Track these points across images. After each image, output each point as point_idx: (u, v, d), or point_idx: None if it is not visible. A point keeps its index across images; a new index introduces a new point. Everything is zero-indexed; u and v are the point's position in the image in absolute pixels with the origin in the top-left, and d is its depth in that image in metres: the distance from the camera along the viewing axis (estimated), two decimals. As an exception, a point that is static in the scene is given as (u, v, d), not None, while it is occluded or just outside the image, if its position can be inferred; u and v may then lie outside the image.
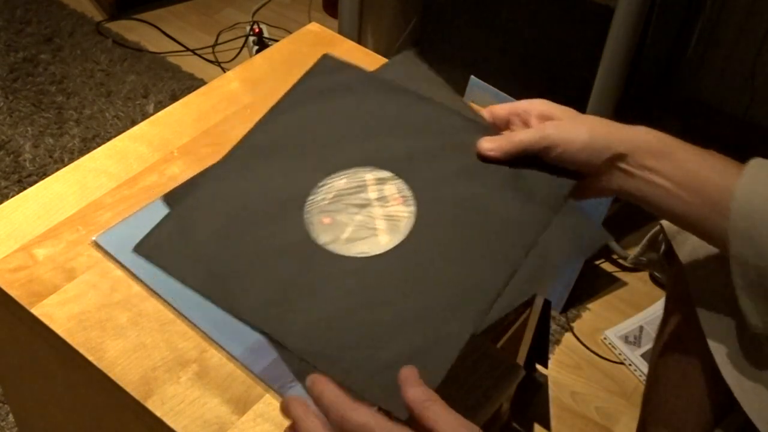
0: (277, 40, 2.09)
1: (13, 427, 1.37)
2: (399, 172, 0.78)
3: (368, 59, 1.05)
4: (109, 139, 0.93)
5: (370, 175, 0.77)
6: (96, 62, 2.15)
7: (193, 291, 0.73)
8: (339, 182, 0.77)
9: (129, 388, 0.71)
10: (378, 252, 0.73)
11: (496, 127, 0.82)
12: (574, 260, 0.73)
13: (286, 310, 0.70)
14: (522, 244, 0.73)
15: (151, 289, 0.78)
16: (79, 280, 0.78)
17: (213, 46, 2.27)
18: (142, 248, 0.76)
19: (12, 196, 0.90)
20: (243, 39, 2.27)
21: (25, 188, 0.90)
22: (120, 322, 0.75)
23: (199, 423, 0.69)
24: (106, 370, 0.72)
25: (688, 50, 1.92)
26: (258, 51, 2.19)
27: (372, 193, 0.76)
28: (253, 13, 2.40)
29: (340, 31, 1.92)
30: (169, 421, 0.69)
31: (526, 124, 0.79)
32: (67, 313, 0.76)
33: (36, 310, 0.76)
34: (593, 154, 0.75)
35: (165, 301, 0.77)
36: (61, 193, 0.86)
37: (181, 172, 0.89)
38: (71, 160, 1.84)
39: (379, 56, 1.06)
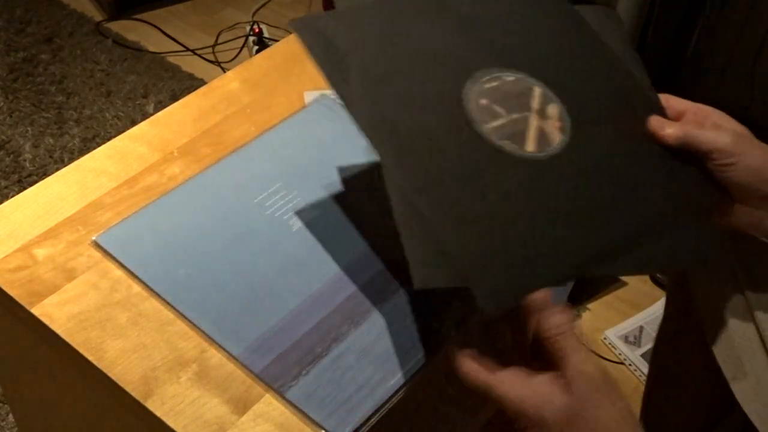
0: (277, 40, 2.09)
1: (13, 427, 1.37)
2: (566, 101, 0.78)
3: (368, 59, 1.05)
4: (109, 139, 0.93)
5: (539, 88, 0.77)
6: (96, 62, 2.15)
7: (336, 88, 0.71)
8: (508, 77, 0.77)
9: (129, 388, 0.71)
10: (532, 155, 0.73)
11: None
12: (686, 263, 0.74)
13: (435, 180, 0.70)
14: (650, 228, 0.73)
15: (151, 289, 0.78)
16: (79, 280, 0.78)
17: (213, 46, 2.27)
18: (299, 21, 0.75)
19: (12, 196, 0.91)
20: (243, 39, 2.27)
21: (25, 188, 0.90)
22: (120, 322, 0.75)
23: (199, 423, 0.69)
24: (106, 370, 0.72)
25: (688, 50, 1.92)
26: (258, 51, 2.19)
27: (535, 104, 0.76)
28: (253, 13, 2.41)
29: (340, 31, 1.92)
30: (169, 421, 0.69)
31: (699, 125, 0.78)
32: (67, 313, 0.76)
33: (36, 310, 0.76)
34: (759, 182, 0.72)
35: (165, 301, 0.77)
36: (61, 193, 0.86)
37: (181, 172, 0.89)
38: (71, 160, 1.84)
39: (379, 56, 1.06)
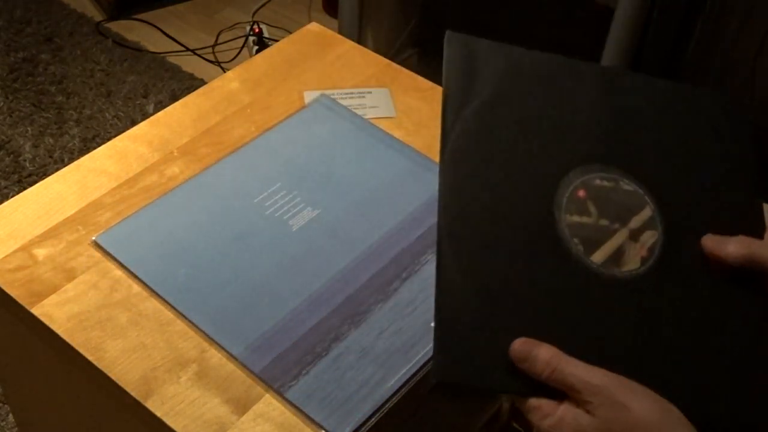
0: (277, 40, 2.09)
1: (13, 427, 1.37)
2: (671, 233, 0.69)
3: (368, 59, 1.05)
4: (109, 139, 0.93)
5: (650, 210, 0.69)
6: (96, 62, 2.15)
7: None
8: (626, 185, 0.70)
9: (129, 388, 0.71)
10: (592, 264, 0.67)
11: None
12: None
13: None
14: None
15: (151, 289, 0.78)
16: (79, 280, 0.78)
17: (213, 46, 2.27)
18: (455, 35, 0.71)
19: (12, 196, 0.91)
20: (243, 39, 2.27)
21: (25, 188, 0.90)
22: (120, 322, 0.75)
23: (199, 423, 0.69)
24: (106, 370, 0.72)
25: (688, 50, 1.92)
26: (258, 51, 2.19)
27: (634, 224, 0.69)
28: (253, 13, 2.40)
29: (340, 31, 1.92)
30: (169, 421, 0.69)
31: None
32: (67, 313, 0.76)
33: (36, 310, 0.76)
34: None
35: (165, 301, 0.77)
36: (61, 193, 0.86)
37: (181, 172, 0.89)
38: (71, 160, 1.84)
39: (379, 56, 1.06)
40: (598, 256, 0.67)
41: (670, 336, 0.66)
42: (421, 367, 0.74)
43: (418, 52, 2.05)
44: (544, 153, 0.69)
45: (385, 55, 1.07)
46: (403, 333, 0.76)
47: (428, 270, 0.81)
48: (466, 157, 0.68)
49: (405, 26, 2.04)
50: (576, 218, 0.68)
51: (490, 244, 0.65)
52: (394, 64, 1.05)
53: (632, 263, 0.67)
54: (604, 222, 0.69)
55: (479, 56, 0.71)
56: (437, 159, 0.92)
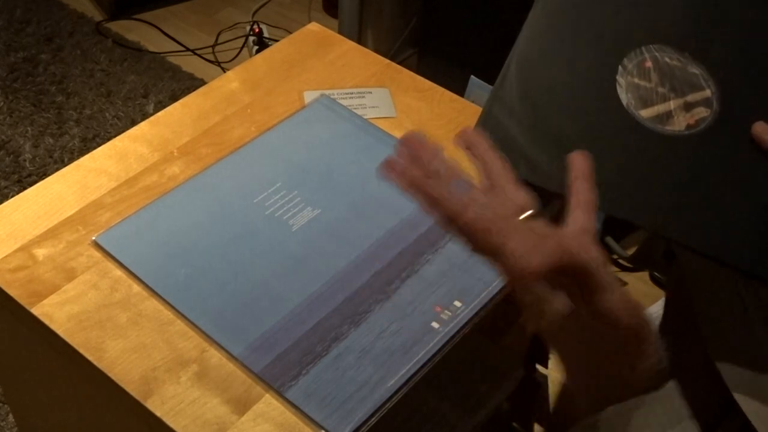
0: (277, 40, 2.09)
1: (13, 427, 1.37)
2: (725, 113, 0.72)
3: (368, 59, 1.05)
4: (109, 139, 0.93)
5: (709, 92, 0.72)
6: (96, 62, 2.15)
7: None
8: (693, 68, 0.73)
9: (129, 388, 0.71)
10: (638, 115, 0.72)
11: None
12: None
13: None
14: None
15: (151, 289, 0.78)
16: (79, 280, 0.78)
17: (213, 46, 2.27)
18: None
19: (12, 196, 0.91)
20: (243, 39, 2.27)
21: (25, 188, 0.90)
22: (120, 322, 0.75)
23: (199, 423, 0.69)
24: (106, 370, 0.72)
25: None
26: (258, 51, 2.19)
27: (691, 98, 0.72)
28: (253, 13, 2.40)
29: (340, 31, 1.92)
30: (169, 421, 0.69)
31: None
32: (67, 313, 0.76)
33: (36, 310, 0.76)
34: None
35: (165, 301, 0.77)
36: (61, 193, 0.87)
37: (181, 172, 0.89)
38: (71, 160, 1.84)
39: (379, 56, 1.06)
40: (646, 113, 0.72)
41: (695, 185, 0.70)
42: (421, 367, 0.74)
43: (418, 52, 2.05)
44: (625, 24, 0.75)
45: (385, 55, 1.07)
46: (403, 333, 0.76)
47: (428, 270, 0.81)
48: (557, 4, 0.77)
49: (405, 26, 2.04)
50: (636, 80, 0.73)
51: (549, 77, 0.73)
52: (394, 64, 1.05)
53: (677, 126, 0.71)
54: (661, 89, 0.73)
55: None
56: (437, 159, 0.92)
